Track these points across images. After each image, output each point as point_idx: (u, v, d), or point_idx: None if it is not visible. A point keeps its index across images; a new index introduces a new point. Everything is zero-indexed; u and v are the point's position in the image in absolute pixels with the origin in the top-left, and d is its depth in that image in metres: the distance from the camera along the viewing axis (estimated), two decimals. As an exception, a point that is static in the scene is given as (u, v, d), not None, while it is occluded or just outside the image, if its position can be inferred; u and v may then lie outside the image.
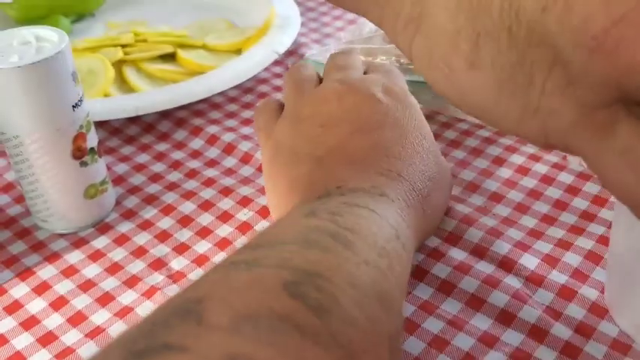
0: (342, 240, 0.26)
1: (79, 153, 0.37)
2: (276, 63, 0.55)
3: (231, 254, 0.25)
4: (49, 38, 0.36)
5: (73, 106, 0.36)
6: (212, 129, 0.48)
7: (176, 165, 0.45)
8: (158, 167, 0.45)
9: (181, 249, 0.38)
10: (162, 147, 0.47)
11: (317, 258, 0.24)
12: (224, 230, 0.39)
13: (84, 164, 0.38)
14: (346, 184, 0.31)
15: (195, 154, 0.46)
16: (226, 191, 0.42)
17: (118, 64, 0.53)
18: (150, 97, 0.48)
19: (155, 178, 0.44)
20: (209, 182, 0.43)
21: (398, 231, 0.29)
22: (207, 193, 0.42)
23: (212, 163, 0.45)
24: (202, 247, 0.38)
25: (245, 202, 0.41)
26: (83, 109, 0.37)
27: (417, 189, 0.33)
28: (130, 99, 0.48)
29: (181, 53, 0.54)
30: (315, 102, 0.36)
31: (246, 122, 0.49)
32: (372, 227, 0.28)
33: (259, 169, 0.44)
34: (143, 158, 0.46)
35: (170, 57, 0.55)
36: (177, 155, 0.46)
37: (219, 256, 0.37)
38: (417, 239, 0.32)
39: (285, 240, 0.25)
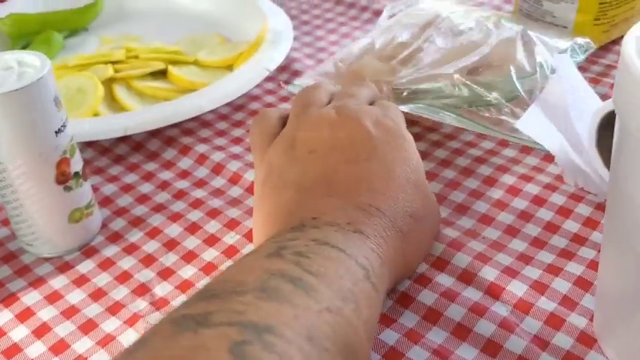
0: (304, 286, 0.25)
1: (63, 178, 0.37)
2: (268, 79, 0.55)
3: (186, 301, 0.24)
4: (31, 63, 0.35)
5: (56, 132, 0.36)
6: (201, 148, 0.48)
7: (164, 185, 0.45)
8: (146, 188, 0.45)
9: (166, 274, 0.38)
10: (150, 166, 0.47)
11: (272, 309, 0.23)
12: (210, 254, 0.39)
13: (68, 189, 0.37)
14: (323, 216, 0.31)
15: (184, 174, 0.46)
16: (214, 213, 0.42)
17: (109, 82, 0.53)
18: (139, 116, 0.47)
19: (142, 199, 0.44)
20: (197, 204, 0.43)
21: (369, 271, 0.28)
22: (195, 215, 0.42)
23: (200, 184, 0.45)
24: (187, 272, 0.38)
25: (232, 224, 0.41)
26: (66, 134, 0.36)
27: (396, 225, 0.32)
28: (119, 118, 0.47)
29: (173, 70, 0.54)
30: (309, 127, 0.36)
31: (236, 141, 0.49)
32: (339, 269, 0.27)
33: (248, 190, 0.44)
34: (131, 178, 0.45)
35: (162, 73, 0.55)
36: (166, 175, 0.46)
37: (204, 282, 0.37)
38: (393, 276, 0.32)
39: (243, 287, 0.24)
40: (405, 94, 0.45)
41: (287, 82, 0.53)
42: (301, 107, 0.38)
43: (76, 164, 0.38)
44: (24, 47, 0.59)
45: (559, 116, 0.43)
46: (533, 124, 0.41)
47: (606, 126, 0.40)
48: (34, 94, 0.34)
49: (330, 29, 0.64)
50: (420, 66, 0.46)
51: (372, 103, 0.39)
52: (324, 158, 0.34)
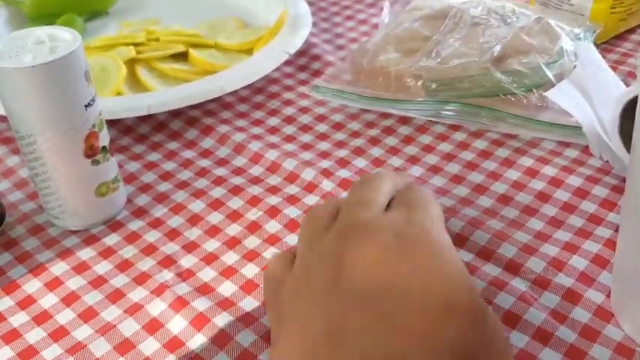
0: None
1: (91, 152, 0.38)
2: (287, 63, 0.55)
3: None
4: (62, 38, 0.36)
5: (86, 106, 0.36)
6: (223, 128, 0.48)
7: (187, 164, 0.46)
8: (169, 166, 0.45)
9: (191, 247, 0.39)
10: (173, 145, 0.47)
11: None
12: (233, 229, 0.40)
13: (96, 163, 0.38)
14: None
15: (206, 153, 0.47)
16: (236, 190, 0.43)
17: (131, 63, 0.53)
18: (161, 96, 0.48)
19: (166, 176, 0.44)
20: (219, 181, 0.44)
21: None
22: (217, 192, 0.43)
23: (222, 162, 0.46)
24: (211, 245, 0.39)
25: (254, 201, 0.42)
26: (95, 109, 0.37)
27: None
28: (141, 98, 0.48)
29: (193, 52, 0.55)
30: (315, 260, 0.29)
31: (257, 122, 0.50)
32: None
33: (269, 169, 0.45)
34: (154, 157, 0.46)
35: (182, 56, 0.55)
36: (188, 154, 0.46)
37: (228, 255, 0.38)
38: None
39: None
40: (433, 86, 0.46)
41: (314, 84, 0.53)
42: (306, 238, 0.31)
43: (104, 139, 0.39)
44: (46, 30, 0.60)
45: (583, 101, 0.43)
46: (563, 96, 0.41)
47: (629, 112, 0.41)
48: (66, 68, 0.35)
49: (347, 15, 0.64)
50: (444, 58, 0.47)
51: (396, 196, 0.32)
52: (327, 306, 0.27)
